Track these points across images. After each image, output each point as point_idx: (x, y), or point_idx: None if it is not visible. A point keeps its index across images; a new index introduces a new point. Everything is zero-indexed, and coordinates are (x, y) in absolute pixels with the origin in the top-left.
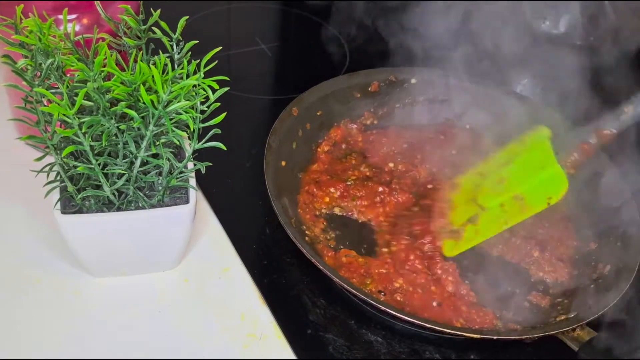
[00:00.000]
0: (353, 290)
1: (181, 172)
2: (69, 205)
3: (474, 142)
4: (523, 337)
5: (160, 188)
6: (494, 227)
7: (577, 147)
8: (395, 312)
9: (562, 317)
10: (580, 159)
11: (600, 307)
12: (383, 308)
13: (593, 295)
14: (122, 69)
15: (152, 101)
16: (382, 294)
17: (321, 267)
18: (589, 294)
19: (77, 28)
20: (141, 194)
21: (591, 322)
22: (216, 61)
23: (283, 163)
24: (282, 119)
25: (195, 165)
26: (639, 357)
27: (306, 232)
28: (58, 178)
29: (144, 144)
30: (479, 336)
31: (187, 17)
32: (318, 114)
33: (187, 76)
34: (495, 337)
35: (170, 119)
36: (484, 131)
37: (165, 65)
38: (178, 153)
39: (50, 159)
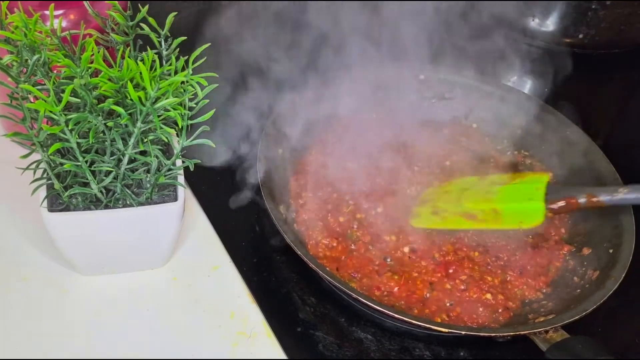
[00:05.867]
0: (338, 284)
1: (169, 170)
2: (56, 202)
3: (480, 140)
4: (492, 334)
5: (148, 185)
6: (464, 223)
7: (566, 199)
8: (367, 301)
9: (542, 319)
10: (564, 209)
11: (578, 312)
12: (363, 300)
13: (576, 301)
14: (110, 66)
15: (139, 98)
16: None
17: (306, 260)
18: (573, 298)
19: (64, 24)
20: (129, 192)
21: (572, 326)
22: (205, 57)
23: (280, 151)
24: (280, 109)
25: (183, 162)
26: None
27: (295, 219)
28: (45, 175)
29: (131, 141)
30: (447, 330)
31: (176, 13)
32: (319, 106)
33: (176, 73)
34: (463, 333)
35: (159, 116)
36: (491, 130)
37: (153, 61)
38: (166, 150)
39: (36, 156)
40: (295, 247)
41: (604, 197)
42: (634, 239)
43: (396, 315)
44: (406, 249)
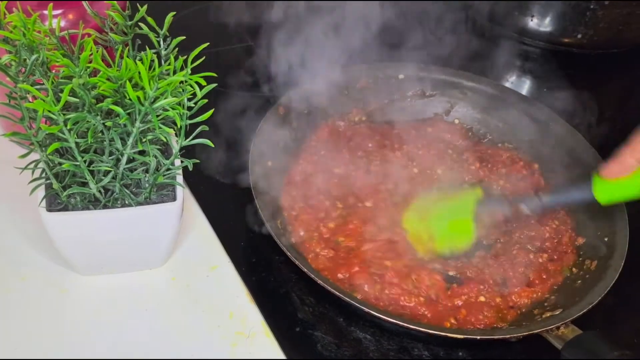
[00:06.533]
0: (335, 292)
1: (168, 169)
2: (54, 202)
3: (463, 137)
4: (507, 336)
5: (147, 185)
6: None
7: (494, 214)
8: (375, 312)
9: (548, 315)
10: (494, 223)
11: (584, 305)
12: (364, 309)
13: (579, 292)
14: (108, 65)
15: (138, 97)
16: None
17: (304, 269)
18: (576, 290)
19: (63, 23)
20: (128, 192)
21: (577, 320)
22: (204, 57)
23: (269, 163)
24: (268, 118)
25: (182, 162)
26: (623, 357)
27: (292, 232)
28: (43, 175)
29: (130, 141)
30: (462, 336)
31: (174, 12)
32: (305, 112)
33: (174, 72)
34: (479, 337)
35: (157, 116)
36: (473, 126)
37: (152, 61)
38: (165, 150)
39: (35, 155)
40: (315, 276)
41: (529, 207)
42: (628, 226)
43: (413, 327)
44: (407, 256)
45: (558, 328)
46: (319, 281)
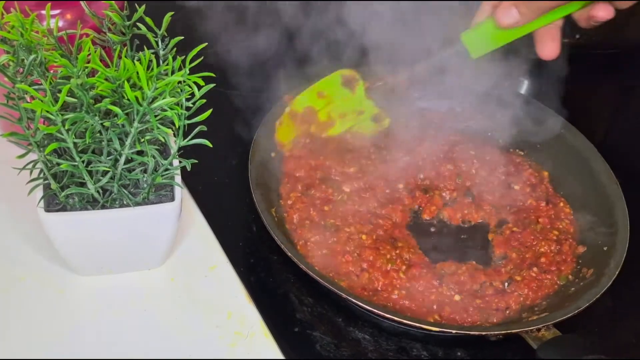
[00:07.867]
0: (318, 278)
1: (166, 170)
2: (52, 203)
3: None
4: (483, 333)
5: (145, 186)
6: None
7: None
8: (361, 302)
9: (535, 318)
10: None
11: (570, 310)
12: (353, 300)
13: (571, 299)
14: (106, 65)
15: (136, 98)
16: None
17: (290, 254)
18: (568, 297)
19: (60, 24)
20: (126, 192)
21: (567, 325)
22: (202, 57)
23: (273, 154)
24: (275, 112)
25: (180, 162)
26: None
27: (286, 219)
28: (41, 175)
29: (128, 141)
30: (437, 329)
31: (173, 12)
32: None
33: (173, 72)
34: (454, 332)
35: (155, 116)
36: (484, 128)
37: (150, 61)
38: (163, 150)
39: (33, 156)
40: (302, 264)
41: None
42: (628, 237)
43: (387, 315)
44: (405, 256)
45: (539, 330)
46: (309, 272)
